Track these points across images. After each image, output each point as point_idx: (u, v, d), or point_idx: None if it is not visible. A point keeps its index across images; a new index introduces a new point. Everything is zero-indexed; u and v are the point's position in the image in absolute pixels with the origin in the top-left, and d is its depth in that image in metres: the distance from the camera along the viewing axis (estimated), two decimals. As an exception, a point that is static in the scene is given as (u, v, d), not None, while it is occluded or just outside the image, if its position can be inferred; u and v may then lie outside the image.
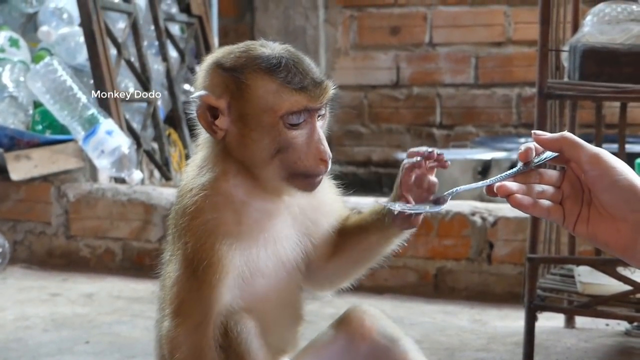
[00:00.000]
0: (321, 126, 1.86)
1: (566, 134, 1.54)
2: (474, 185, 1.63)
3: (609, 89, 2.87)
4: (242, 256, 1.86)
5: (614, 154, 1.53)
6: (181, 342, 1.84)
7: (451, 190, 1.71)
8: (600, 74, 2.89)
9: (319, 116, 1.85)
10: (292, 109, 1.80)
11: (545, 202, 1.55)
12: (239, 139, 1.84)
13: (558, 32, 3.21)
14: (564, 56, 3.17)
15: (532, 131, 1.57)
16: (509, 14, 6.67)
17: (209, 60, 1.90)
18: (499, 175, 1.55)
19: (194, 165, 1.93)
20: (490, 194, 1.54)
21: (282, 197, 1.91)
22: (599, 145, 3.31)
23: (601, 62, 2.90)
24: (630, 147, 3.91)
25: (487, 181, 1.56)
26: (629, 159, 3.39)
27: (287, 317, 2.04)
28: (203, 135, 1.93)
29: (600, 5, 3.17)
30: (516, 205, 1.52)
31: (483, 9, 6.74)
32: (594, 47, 2.93)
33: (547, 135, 1.55)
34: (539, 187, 1.55)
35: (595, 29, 3.04)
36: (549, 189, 1.56)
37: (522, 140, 6.29)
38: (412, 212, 1.85)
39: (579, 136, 1.52)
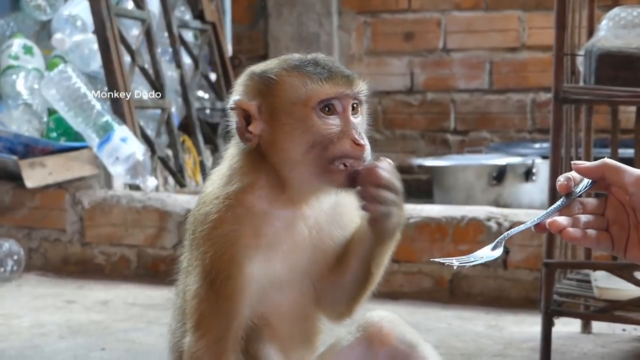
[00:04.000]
0: (359, 122, 1.84)
1: (607, 160, 1.52)
2: (522, 227, 1.57)
3: (625, 93, 2.86)
4: (260, 268, 1.83)
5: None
6: (202, 356, 1.82)
7: (503, 236, 1.66)
8: (616, 78, 2.89)
9: (353, 107, 1.84)
10: (322, 98, 1.80)
11: (592, 232, 1.52)
12: (272, 138, 1.83)
13: (573, 36, 3.21)
14: (580, 61, 3.17)
15: (572, 162, 1.55)
16: (523, 19, 6.65)
17: (244, 72, 1.91)
18: (545, 212, 1.53)
19: (221, 173, 1.90)
20: (542, 231, 1.52)
21: (306, 204, 1.87)
22: (615, 149, 3.30)
23: (617, 66, 2.89)
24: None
25: (536, 219, 1.52)
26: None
27: (304, 330, 2.01)
28: (233, 144, 1.91)
29: (616, 10, 3.16)
30: (570, 239, 1.50)
31: (497, 14, 6.72)
32: (610, 52, 2.92)
33: (587, 163, 1.52)
34: (584, 217, 1.52)
35: (610, 33, 3.03)
36: (593, 217, 1.53)
37: (537, 145, 6.27)
38: (469, 264, 1.65)
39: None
